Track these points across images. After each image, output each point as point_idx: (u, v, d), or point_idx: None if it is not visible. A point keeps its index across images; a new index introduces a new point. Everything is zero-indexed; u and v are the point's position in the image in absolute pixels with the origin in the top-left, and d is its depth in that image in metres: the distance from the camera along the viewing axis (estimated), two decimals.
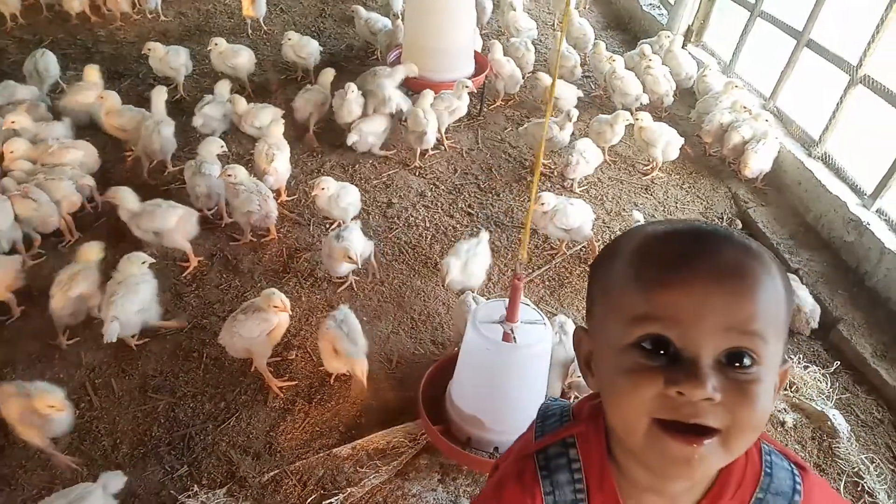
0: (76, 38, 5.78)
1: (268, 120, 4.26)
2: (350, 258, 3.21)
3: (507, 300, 2.45)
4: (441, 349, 3.24)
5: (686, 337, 0.72)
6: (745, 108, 4.63)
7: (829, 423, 2.97)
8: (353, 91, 4.42)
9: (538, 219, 3.65)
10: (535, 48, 5.56)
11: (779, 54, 4.83)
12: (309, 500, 2.51)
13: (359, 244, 3.33)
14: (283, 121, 4.22)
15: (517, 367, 2.46)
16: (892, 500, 2.71)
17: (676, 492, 0.87)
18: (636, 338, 0.75)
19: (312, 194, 3.71)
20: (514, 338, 2.43)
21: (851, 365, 3.32)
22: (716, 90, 4.97)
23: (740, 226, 4.28)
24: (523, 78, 5.17)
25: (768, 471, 0.89)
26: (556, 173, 4.48)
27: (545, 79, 4.98)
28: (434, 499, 2.55)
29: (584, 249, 3.92)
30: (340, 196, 3.68)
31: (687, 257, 0.75)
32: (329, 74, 4.70)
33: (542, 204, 3.60)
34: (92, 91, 4.36)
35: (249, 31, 6.07)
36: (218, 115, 4.41)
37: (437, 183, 4.40)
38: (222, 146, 3.93)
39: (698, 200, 4.46)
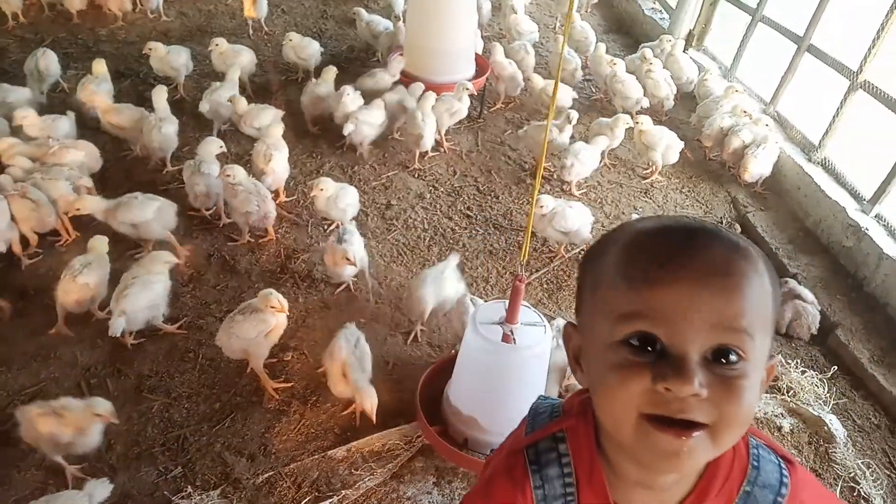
0: (77, 37, 5.78)
1: (268, 121, 4.27)
2: (348, 259, 3.21)
3: (507, 302, 2.44)
4: (438, 352, 3.23)
5: (673, 334, 0.73)
6: (745, 112, 4.63)
7: (825, 427, 2.96)
8: (348, 94, 4.42)
9: (537, 221, 3.64)
10: (536, 51, 5.57)
11: (779, 59, 4.84)
12: (303, 503, 2.50)
13: (360, 249, 3.32)
14: (283, 124, 4.21)
15: (516, 368, 2.46)
16: None
17: (665, 486, 0.87)
18: (624, 335, 0.75)
19: (311, 195, 3.70)
20: (514, 339, 2.42)
21: (849, 370, 3.32)
22: (716, 94, 4.97)
23: (739, 230, 4.27)
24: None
25: (755, 464, 0.89)
26: (555, 176, 4.47)
27: (538, 81, 4.99)
28: (429, 501, 2.54)
29: (582, 252, 3.92)
30: (339, 197, 3.67)
31: (674, 255, 0.75)
32: (332, 72, 4.73)
33: (541, 206, 3.60)
34: (103, 85, 4.42)
35: (251, 32, 6.07)
36: (224, 100, 4.44)
37: (437, 185, 4.40)
38: (221, 146, 3.93)
39: (698, 204, 4.46)
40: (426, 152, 4.57)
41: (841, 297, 3.67)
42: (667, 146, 4.45)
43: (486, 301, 3.07)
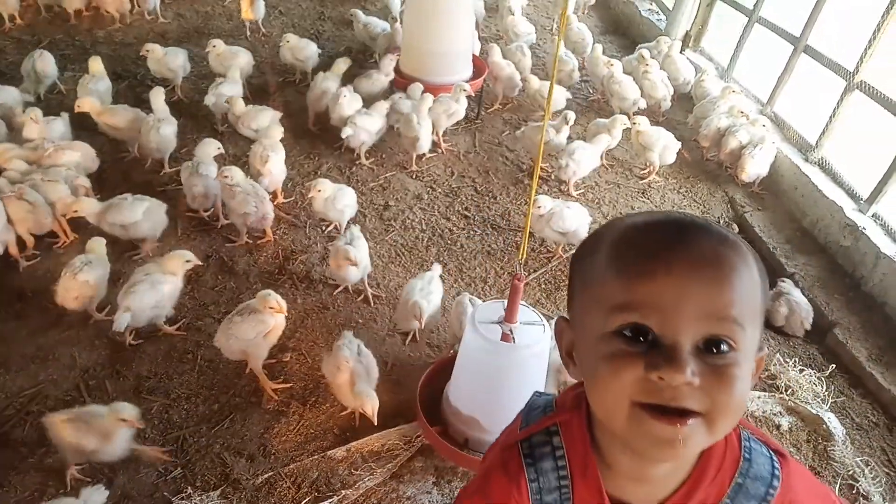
0: (74, 38, 5.78)
1: (266, 122, 4.27)
2: (349, 259, 3.21)
3: (506, 301, 2.45)
4: (437, 352, 3.23)
5: (665, 324, 0.74)
6: (742, 112, 4.64)
7: (824, 426, 2.97)
8: (345, 96, 4.43)
9: (534, 222, 3.64)
10: (534, 53, 5.57)
11: (776, 60, 4.85)
12: (303, 503, 2.50)
13: (364, 253, 3.32)
14: (282, 127, 4.21)
15: (516, 367, 2.46)
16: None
17: (658, 477, 0.88)
18: (616, 326, 0.77)
19: (309, 196, 3.70)
20: (513, 338, 2.43)
21: (847, 368, 3.33)
22: (713, 95, 4.98)
23: (737, 230, 4.28)
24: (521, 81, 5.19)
25: (747, 456, 0.90)
26: (553, 177, 4.48)
27: (534, 82, 5.00)
28: (429, 501, 2.54)
29: None
30: (337, 198, 3.67)
31: (665, 247, 0.76)
32: (343, 64, 4.81)
33: (539, 207, 3.60)
34: (100, 83, 4.45)
35: (248, 34, 6.07)
36: (230, 94, 4.46)
37: (434, 186, 4.40)
38: (219, 147, 3.93)
39: (695, 204, 4.47)
40: (423, 154, 4.57)
41: (839, 296, 3.68)
42: (664, 147, 4.46)
43: (484, 301, 3.07)
